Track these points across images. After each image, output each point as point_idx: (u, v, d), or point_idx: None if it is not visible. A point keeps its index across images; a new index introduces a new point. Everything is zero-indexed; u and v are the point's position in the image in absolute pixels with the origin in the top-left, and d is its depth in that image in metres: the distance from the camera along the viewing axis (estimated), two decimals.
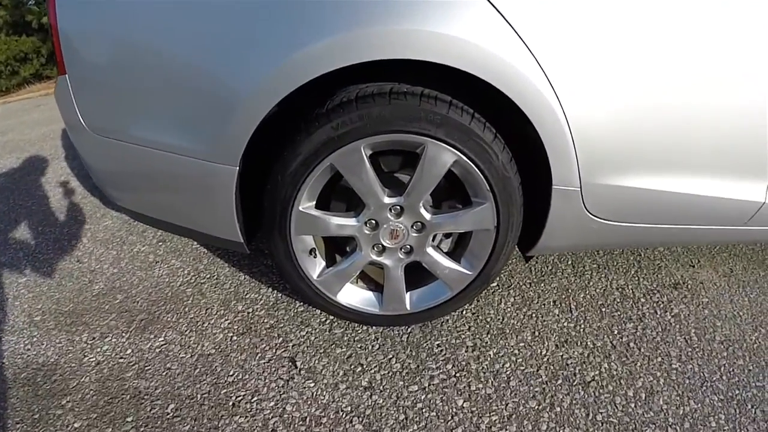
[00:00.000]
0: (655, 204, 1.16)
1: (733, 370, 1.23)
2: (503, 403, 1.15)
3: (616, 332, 1.34)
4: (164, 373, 1.27)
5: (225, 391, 1.21)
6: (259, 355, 1.31)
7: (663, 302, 1.45)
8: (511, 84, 0.94)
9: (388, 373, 1.24)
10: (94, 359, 1.33)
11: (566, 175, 1.05)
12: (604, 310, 1.42)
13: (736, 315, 1.40)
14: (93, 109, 1.12)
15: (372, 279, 1.36)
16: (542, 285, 1.52)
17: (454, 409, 1.14)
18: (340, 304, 1.28)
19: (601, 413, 1.12)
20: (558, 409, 1.13)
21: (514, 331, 1.35)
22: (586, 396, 1.16)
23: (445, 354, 1.28)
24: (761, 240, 1.40)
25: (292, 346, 1.33)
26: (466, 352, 1.29)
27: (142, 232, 1.94)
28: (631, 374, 1.21)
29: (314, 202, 1.13)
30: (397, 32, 0.89)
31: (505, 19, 0.90)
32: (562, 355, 1.27)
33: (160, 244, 1.84)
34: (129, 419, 1.15)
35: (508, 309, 1.43)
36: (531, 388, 1.18)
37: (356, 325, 1.38)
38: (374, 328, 1.37)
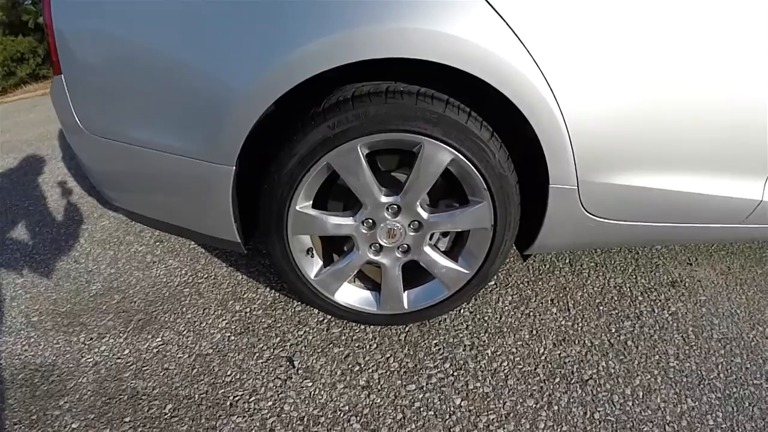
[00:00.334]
0: (652, 202, 1.16)
1: (730, 367, 1.23)
2: (501, 401, 1.15)
3: (613, 330, 1.34)
4: (162, 374, 1.27)
5: (223, 391, 1.21)
6: (257, 354, 1.30)
7: (660, 300, 1.45)
8: (507, 82, 0.94)
9: (386, 372, 1.24)
10: (91, 360, 1.33)
11: (563, 174, 1.05)
12: (601, 308, 1.42)
13: (734, 313, 1.40)
14: (89, 110, 1.11)
15: (369, 278, 1.36)
16: (540, 283, 1.52)
17: (452, 408, 1.14)
18: (338, 304, 1.28)
19: (599, 411, 1.12)
20: (556, 407, 1.13)
21: (512, 330, 1.35)
22: (584, 394, 1.16)
23: (442, 353, 1.28)
24: (759, 238, 1.40)
25: (290, 345, 1.33)
26: (463, 350, 1.29)
27: (140, 233, 1.93)
28: (629, 372, 1.21)
29: (311, 202, 1.13)
30: (394, 31, 0.89)
31: (501, 17, 0.90)
32: (559, 354, 1.27)
33: (158, 244, 1.84)
34: (127, 419, 1.15)
35: (506, 308, 1.43)
36: (529, 386, 1.18)
37: (354, 324, 1.38)
38: (372, 327, 1.37)
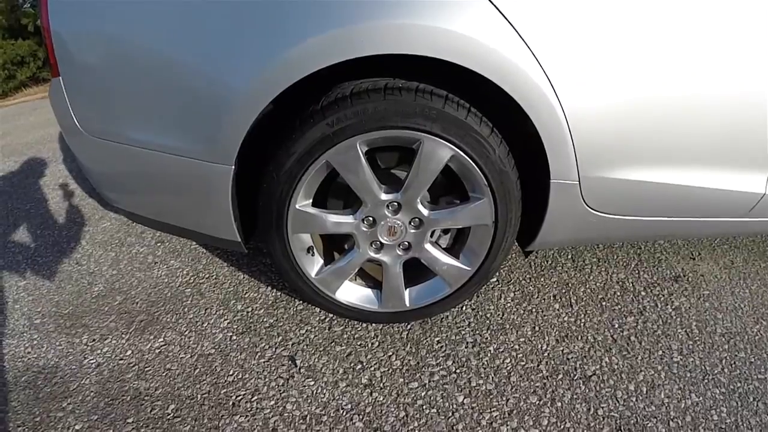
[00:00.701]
0: (654, 196, 1.15)
1: (734, 362, 1.22)
2: (504, 398, 1.14)
3: (616, 326, 1.33)
4: (164, 374, 1.27)
5: (225, 390, 1.21)
6: (259, 354, 1.30)
7: (664, 295, 1.44)
8: (507, 78, 0.93)
9: (388, 370, 1.23)
10: (94, 361, 1.33)
11: (564, 169, 1.05)
12: (604, 304, 1.41)
13: (737, 307, 1.40)
14: (88, 111, 1.11)
15: (371, 276, 1.35)
16: (542, 280, 1.51)
17: (455, 406, 1.13)
18: (339, 302, 1.28)
19: (603, 408, 1.12)
20: (559, 404, 1.13)
21: (515, 327, 1.34)
22: (587, 390, 1.16)
23: (445, 350, 1.28)
24: (762, 232, 1.39)
25: (292, 344, 1.33)
26: (466, 348, 1.28)
27: (141, 234, 1.93)
28: (632, 368, 1.21)
29: (311, 200, 1.13)
30: (393, 27, 0.89)
31: (501, 13, 0.89)
32: (562, 350, 1.26)
33: (159, 245, 1.84)
34: (130, 420, 1.15)
35: (508, 304, 1.42)
36: (532, 383, 1.18)
37: (356, 322, 1.38)
38: (374, 325, 1.37)
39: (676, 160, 1.10)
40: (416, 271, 1.26)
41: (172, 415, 1.16)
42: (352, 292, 1.29)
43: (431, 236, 1.20)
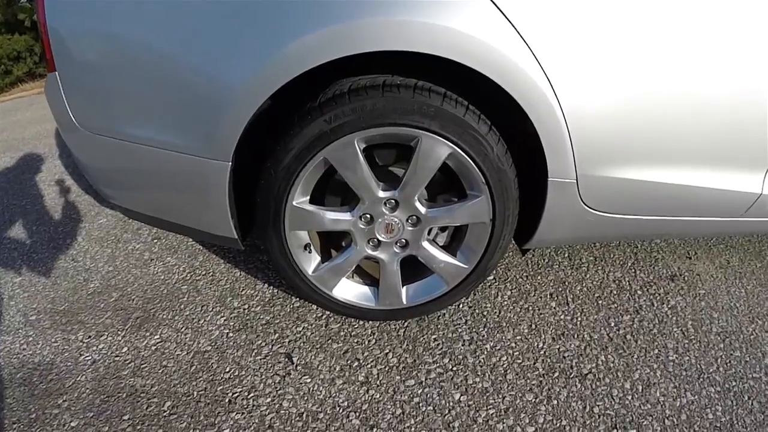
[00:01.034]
0: (651, 195, 1.15)
1: (730, 361, 1.23)
2: (500, 396, 1.15)
3: (612, 324, 1.34)
4: (160, 371, 1.26)
5: (221, 387, 1.20)
6: (255, 351, 1.30)
7: (660, 294, 1.45)
8: (506, 76, 0.93)
9: (385, 367, 1.23)
10: (90, 358, 1.32)
11: (562, 167, 1.05)
12: (600, 302, 1.42)
13: (733, 306, 1.40)
14: (84, 107, 1.10)
15: (368, 273, 1.35)
16: (539, 278, 1.52)
17: (451, 403, 1.14)
18: (336, 300, 1.27)
19: (598, 406, 1.12)
20: (555, 402, 1.13)
21: (511, 325, 1.34)
22: (583, 389, 1.16)
23: (441, 348, 1.28)
24: (758, 231, 1.40)
25: (289, 341, 1.32)
26: (462, 345, 1.29)
27: (137, 230, 1.93)
28: (628, 366, 1.21)
29: (308, 197, 1.13)
30: (393, 23, 0.88)
31: (500, 11, 0.89)
32: (558, 348, 1.27)
33: (155, 241, 1.83)
34: (126, 417, 1.15)
35: (505, 302, 1.42)
36: (528, 381, 1.18)
37: (352, 320, 1.38)
38: (371, 323, 1.37)
39: (673, 159, 1.10)
40: (413, 268, 1.26)
41: (168, 412, 1.15)
42: (349, 290, 1.29)
43: (429, 234, 1.20)
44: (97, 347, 1.36)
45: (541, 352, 1.26)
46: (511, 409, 1.12)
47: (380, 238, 1.17)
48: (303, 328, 1.36)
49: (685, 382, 1.17)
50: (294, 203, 1.09)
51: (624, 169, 1.09)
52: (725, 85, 1.02)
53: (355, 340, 1.32)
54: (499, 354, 1.26)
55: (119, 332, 1.40)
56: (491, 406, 1.12)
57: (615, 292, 1.46)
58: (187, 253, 1.74)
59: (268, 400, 1.17)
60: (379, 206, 1.11)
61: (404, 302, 1.27)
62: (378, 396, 1.16)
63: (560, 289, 1.47)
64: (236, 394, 1.18)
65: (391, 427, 1.09)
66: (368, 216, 1.13)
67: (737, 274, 1.53)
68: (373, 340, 1.32)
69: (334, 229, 1.16)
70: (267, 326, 1.38)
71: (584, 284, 1.49)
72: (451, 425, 1.09)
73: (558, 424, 1.08)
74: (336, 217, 1.14)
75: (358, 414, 1.12)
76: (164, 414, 1.15)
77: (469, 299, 1.44)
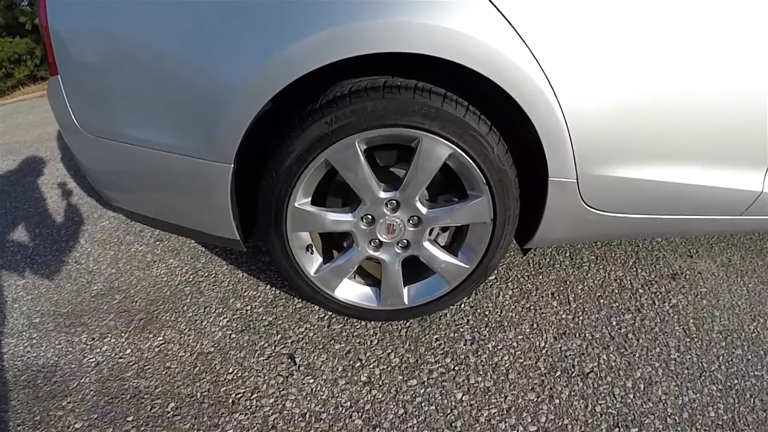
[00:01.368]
0: (652, 194, 1.16)
1: (731, 359, 1.23)
2: (502, 395, 1.15)
3: (614, 323, 1.34)
4: (164, 372, 1.27)
5: (224, 388, 1.21)
6: (258, 352, 1.31)
7: (661, 293, 1.45)
8: (505, 76, 0.94)
9: (387, 367, 1.24)
10: (93, 360, 1.33)
11: (562, 167, 1.05)
12: (602, 301, 1.42)
13: (735, 305, 1.40)
14: (86, 109, 1.11)
15: (369, 274, 1.36)
16: (540, 277, 1.52)
17: (454, 403, 1.14)
18: (338, 300, 1.28)
19: (600, 404, 1.12)
20: (557, 401, 1.13)
21: (513, 324, 1.35)
22: (585, 387, 1.16)
23: (443, 348, 1.28)
24: (759, 229, 1.40)
25: (291, 342, 1.33)
26: (464, 345, 1.29)
27: (140, 232, 1.93)
28: (630, 365, 1.22)
29: (310, 198, 1.13)
30: (393, 25, 0.89)
31: (499, 11, 0.89)
32: (560, 347, 1.27)
33: (158, 243, 1.84)
34: (129, 419, 1.15)
35: (507, 302, 1.43)
36: (530, 380, 1.18)
37: (355, 320, 1.39)
38: (373, 323, 1.38)
39: (673, 158, 1.10)
40: (415, 269, 1.26)
41: (171, 413, 1.16)
42: (351, 290, 1.29)
43: (430, 234, 1.20)
44: (101, 349, 1.36)
45: (543, 352, 1.26)
46: (513, 409, 1.12)
47: (382, 239, 1.17)
48: (305, 329, 1.37)
49: (687, 380, 1.18)
50: (296, 204, 1.09)
51: (624, 168, 1.09)
52: (725, 84, 1.02)
53: (358, 341, 1.32)
54: (501, 353, 1.26)
55: (122, 334, 1.41)
56: (493, 406, 1.13)
57: (616, 291, 1.46)
58: (190, 254, 1.75)
59: (271, 400, 1.17)
60: (380, 207, 1.12)
61: (406, 302, 1.28)
62: (380, 396, 1.17)
63: (562, 288, 1.48)
64: (239, 395, 1.19)
65: (393, 426, 1.10)
66: (369, 217, 1.14)
67: (739, 273, 1.53)
68: (376, 341, 1.32)
69: (335, 230, 1.17)
70: (269, 327, 1.39)
71: (586, 283, 1.49)
72: (453, 424, 1.09)
73: (560, 423, 1.08)
74: (337, 218, 1.14)
75: (360, 414, 1.13)
76: (168, 415, 1.15)
77: (471, 299, 1.44)
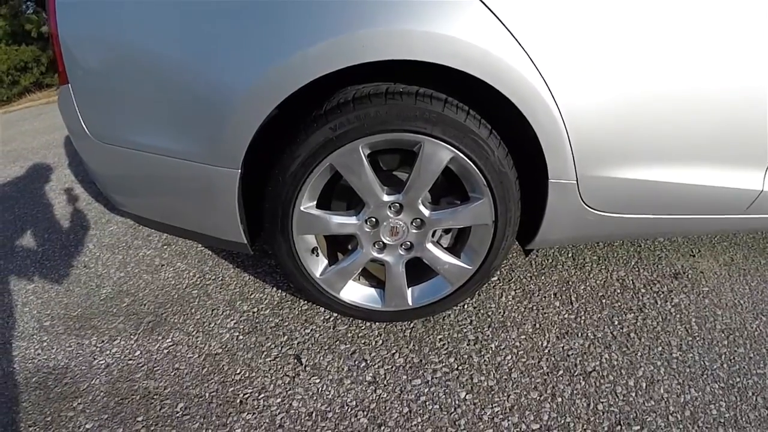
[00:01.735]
0: (652, 194, 1.17)
1: (733, 358, 1.24)
2: (505, 394, 1.16)
3: (616, 323, 1.35)
4: (173, 373, 1.29)
5: (232, 389, 1.23)
6: (265, 353, 1.33)
7: (663, 292, 1.46)
8: (503, 80, 0.95)
9: (392, 367, 1.26)
10: (103, 362, 1.35)
11: (562, 169, 1.07)
12: (604, 301, 1.43)
13: (737, 303, 1.41)
14: (96, 117, 1.13)
15: (374, 276, 1.37)
16: (543, 278, 1.53)
17: (457, 402, 1.16)
18: (344, 302, 1.30)
19: (602, 403, 1.13)
20: (559, 399, 1.15)
21: (516, 324, 1.36)
22: (587, 386, 1.17)
23: (447, 348, 1.30)
24: (760, 228, 1.40)
25: (297, 343, 1.35)
26: (468, 345, 1.30)
27: (147, 237, 1.96)
28: (632, 364, 1.23)
29: (315, 202, 1.15)
30: (394, 33, 0.91)
31: (495, 16, 0.91)
32: (563, 347, 1.28)
33: (166, 247, 1.87)
34: (139, 419, 1.18)
35: (509, 302, 1.44)
36: (532, 379, 1.20)
37: (360, 321, 1.40)
38: (377, 324, 1.39)
39: (673, 157, 1.11)
40: (418, 270, 1.28)
41: (181, 413, 1.18)
42: (356, 292, 1.31)
43: (433, 236, 1.22)
44: (111, 351, 1.39)
45: (546, 351, 1.27)
46: (516, 407, 1.13)
47: (385, 241, 1.19)
48: (311, 330, 1.39)
49: (689, 378, 1.19)
50: (301, 208, 1.12)
51: (624, 169, 1.10)
52: (725, 83, 1.03)
53: (363, 341, 1.34)
54: (504, 353, 1.27)
55: (132, 336, 1.43)
56: (496, 404, 1.14)
57: (619, 291, 1.47)
58: (197, 258, 1.77)
59: (278, 400, 1.19)
60: (384, 210, 1.14)
61: (410, 303, 1.29)
62: (385, 395, 1.18)
63: (564, 288, 1.49)
64: (247, 395, 1.21)
65: (398, 425, 1.11)
66: (373, 219, 1.16)
67: (741, 271, 1.54)
68: (380, 341, 1.34)
69: (340, 233, 1.19)
70: (276, 329, 1.41)
71: (588, 283, 1.51)
72: (456, 423, 1.11)
73: (563, 422, 1.10)
74: (342, 221, 1.16)
75: (366, 413, 1.15)
76: (177, 415, 1.18)
77: (474, 300, 1.46)
